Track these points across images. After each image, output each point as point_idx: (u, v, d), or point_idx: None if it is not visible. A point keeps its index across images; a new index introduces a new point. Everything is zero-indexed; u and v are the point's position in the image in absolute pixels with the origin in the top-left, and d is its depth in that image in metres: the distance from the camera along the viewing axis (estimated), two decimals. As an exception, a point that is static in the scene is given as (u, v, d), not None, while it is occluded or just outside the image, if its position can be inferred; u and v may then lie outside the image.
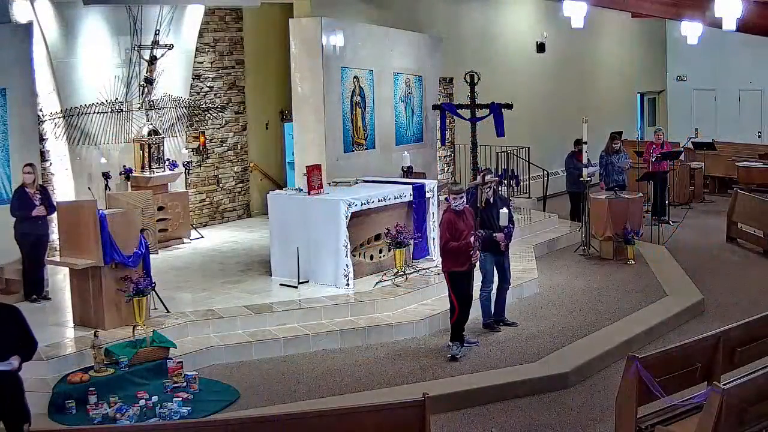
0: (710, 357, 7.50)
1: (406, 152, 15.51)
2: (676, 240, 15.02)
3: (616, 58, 23.68)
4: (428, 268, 11.89)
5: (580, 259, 13.85)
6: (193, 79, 14.52)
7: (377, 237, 11.79)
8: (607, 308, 11.27)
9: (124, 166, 13.28)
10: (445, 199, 15.79)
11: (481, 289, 10.44)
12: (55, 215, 10.55)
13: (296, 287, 11.12)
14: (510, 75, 19.79)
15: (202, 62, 14.92)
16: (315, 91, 14.42)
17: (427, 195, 12.19)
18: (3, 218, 11.06)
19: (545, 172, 17.62)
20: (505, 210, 9.96)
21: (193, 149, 14.91)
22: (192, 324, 10.02)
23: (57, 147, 12.82)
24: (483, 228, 10.07)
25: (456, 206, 9.56)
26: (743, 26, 16.78)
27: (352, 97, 15.00)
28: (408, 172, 15.05)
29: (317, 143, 14.48)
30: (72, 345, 9.37)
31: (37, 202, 10.69)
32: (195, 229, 14.45)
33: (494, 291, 10.57)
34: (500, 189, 10.87)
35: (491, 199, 10.20)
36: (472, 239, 9.41)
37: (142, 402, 8.28)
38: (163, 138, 13.61)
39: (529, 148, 17.34)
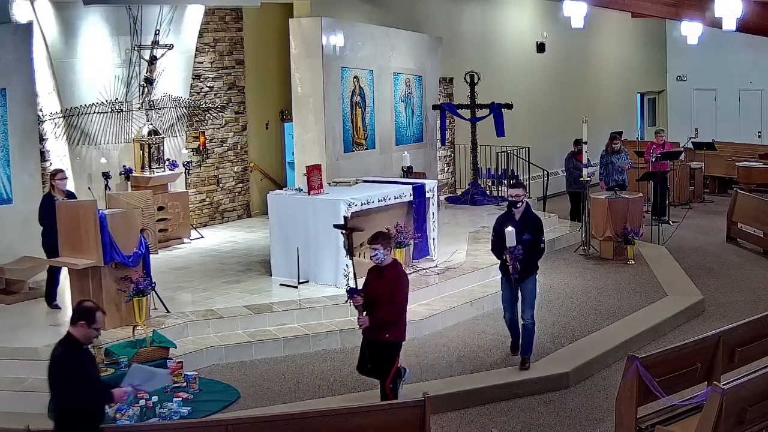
0: (710, 357, 7.51)
1: (406, 152, 15.54)
2: (676, 240, 15.01)
3: (616, 58, 23.70)
4: (428, 268, 11.90)
5: (580, 259, 13.85)
6: (193, 79, 14.52)
7: (377, 237, 11.77)
8: (607, 308, 11.27)
9: (124, 166, 13.29)
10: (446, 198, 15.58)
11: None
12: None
13: (296, 287, 11.11)
14: (510, 75, 19.81)
15: (202, 62, 14.92)
16: (315, 91, 14.44)
17: (427, 195, 12.18)
18: (3, 218, 11.07)
19: (545, 172, 17.63)
20: (510, 228, 8.86)
21: (193, 149, 14.91)
22: (192, 324, 10.02)
23: (57, 147, 12.82)
24: (500, 245, 9.02)
25: (373, 259, 7.89)
26: (743, 26, 16.78)
27: (352, 97, 15.01)
28: (408, 172, 15.08)
29: (317, 143, 14.50)
30: (72, 345, 9.36)
31: None
32: (195, 229, 14.45)
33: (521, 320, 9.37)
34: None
35: (516, 216, 9.05)
36: (354, 302, 7.82)
37: (142, 402, 8.26)
38: (163, 138, 13.61)
39: (529, 148, 17.36)
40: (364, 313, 7.81)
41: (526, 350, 9.25)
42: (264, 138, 16.32)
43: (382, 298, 7.74)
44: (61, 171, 10.73)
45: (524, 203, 9.14)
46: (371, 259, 7.89)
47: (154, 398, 8.33)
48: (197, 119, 14.88)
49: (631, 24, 23.68)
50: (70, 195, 10.72)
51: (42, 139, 12.48)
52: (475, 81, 16.67)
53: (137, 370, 6.27)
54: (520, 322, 9.23)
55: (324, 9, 14.95)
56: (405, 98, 16.22)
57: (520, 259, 8.88)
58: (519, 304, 9.25)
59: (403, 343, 8.19)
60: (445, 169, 18.36)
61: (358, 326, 7.93)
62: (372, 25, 15.79)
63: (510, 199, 9.27)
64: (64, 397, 5.76)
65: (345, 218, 8.53)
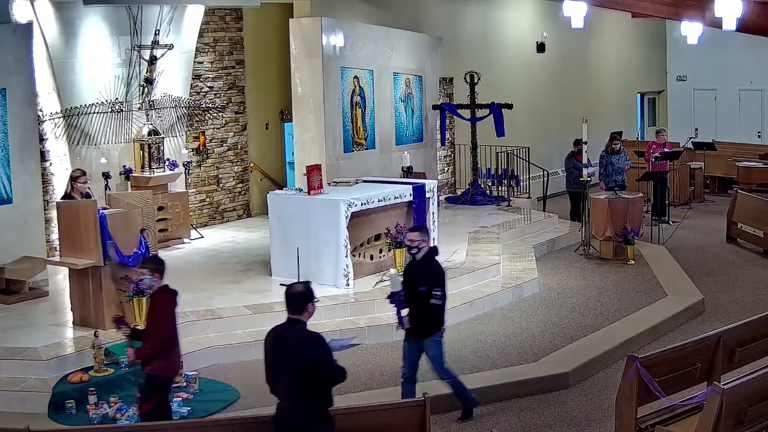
0: (710, 357, 7.51)
1: (406, 152, 15.54)
2: (676, 240, 15.02)
3: (616, 58, 23.69)
4: (428, 268, 11.88)
5: (580, 259, 13.85)
6: (193, 79, 14.51)
7: (377, 237, 11.79)
8: (607, 308, 11.27)
9: (124, 166, 13.28)
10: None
11: None
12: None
13: (296, 287, 11.09)
14: (510, 75, 19.81)
15: (202, 62, 14.92)
16: (315, 91, 14.44)
17: (427, 195, 12.18)
18: (3, 218, 11.07)
19: (545, 172, 17.63)
20: (393, 271, 8.06)
21: (193, 149, 14.91)
22: (192, 324, 10.01)
23: (57, 147, 12.82)
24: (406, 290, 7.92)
25: (140, 285, 7.27)
26: (743, 26, 16.79)
27: (352, 97, 15.01)
28: (408, 172, 15.08)
29: (317, 143, 14.50)
30: (72, 345, 9.37)
31: None
32: (195, 229, 14.44)
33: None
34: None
35: (416, 257, 8.07)
36: (122, 332, 7.30)
37: (142, 402, 8.28)
38: (163, 138, 13.60)
39: (529, 148, 17.36)
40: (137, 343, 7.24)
41: (462, 401, 8.27)
42: (264, 138, 16.32)
43: (147, 328, 7.23)
44: (84, 174, 10.81)
45: (423, 250, 8.00)
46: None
47: (154, 398, 8.34)
48: (197, 119, 14.88)
49: (631, 24, 23.67)
50: (88, 196, 10.76)
51: (42, 139, 12.47)
52: (475, 81, 16.67)
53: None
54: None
55: (324, 9, 14.94)
56: (405, 98, 16.22)
57: (404, 308, 7.89)
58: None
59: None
60: (445, 169, 18.36)
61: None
62: (372, 25, 15.79)
63: (407, 243, 8.22)
64: (328, 376, 5.97)
65: (113, 243, 7.81)
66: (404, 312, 7.92)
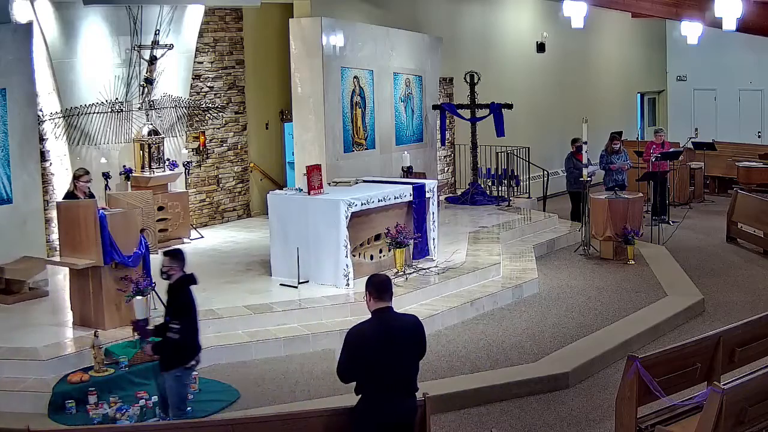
0: (710, 357, 7.51)
1: (406, 152, 15.54)
2: (676, 240, 15.02)
3: (616, 58, 23.70)
4: (428, 268, 11.90)
5: (580, 259, 13.85)
6: (193, 79, 14.51)
7: (377, 237, 11.79)
8: (607, 308, 11.27)
9: (124, 166, 13.28)
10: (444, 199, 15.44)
11: None
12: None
13: (296, 287, 11.11)
14: (510, 75, 19.81)
15: (202, 62, 14.92)
16: (315, 91, 14.45)
17: (427, 195, 12.19)
18: (3, 218, 11.07)
19: (545, 172, 17.63)
20: (138, 297, 7.45)
21: (193, 149, 14.91)
22: (192, 324, 10.00)
23: (57, 147, 12.82)
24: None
25: None
26: (743, 26, 16.78)
27: (352, 97, 15.01)
28: (408, 172, 15.09)
29: (317, 143, 14.51)
30: (72, 345, 9.37)
31: None
32: (195, 229, 14.44)
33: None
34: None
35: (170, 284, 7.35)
36: None
37: (142, 402, 8.28)
38: (163, 138, 13.61)
39: (529, 148, 17.36)
40: None
41: None
42: (264, 138, 16.32)
43: None
44: (88, 173, 10.84)
45: (174, 276, 7.28)
46: None
47: (154, 398, 8.34)
48: (197, 119, 14.87)
49: (631, 24, 23.68)
50: (91, 195, 10.79)
51: (42, 139, 12.48)
52: (475, 81, 16.68)
53: None
54: None
55: (324, 9, 14.95)
56: (405, 98, 16.22)
57: (150, 336, 7.43)
58: None
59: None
60: (445, 169, 18.37)
61: None
62: (372, 25, 15.79)
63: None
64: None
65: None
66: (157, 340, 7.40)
